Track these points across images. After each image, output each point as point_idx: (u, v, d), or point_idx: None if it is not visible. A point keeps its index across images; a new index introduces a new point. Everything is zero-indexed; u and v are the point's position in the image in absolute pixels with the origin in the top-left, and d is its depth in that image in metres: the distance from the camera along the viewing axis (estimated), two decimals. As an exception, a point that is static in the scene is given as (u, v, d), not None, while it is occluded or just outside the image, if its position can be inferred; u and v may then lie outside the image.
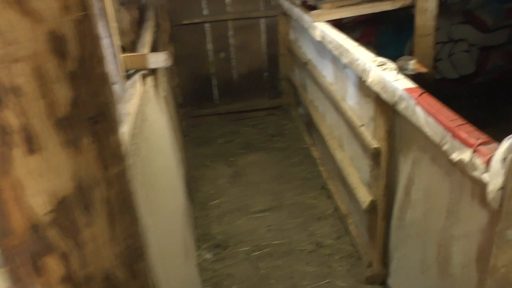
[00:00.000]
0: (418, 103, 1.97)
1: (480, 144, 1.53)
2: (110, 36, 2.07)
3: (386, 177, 2.69)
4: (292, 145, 4.99)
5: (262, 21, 5.28)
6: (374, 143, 2.70)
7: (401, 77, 2.24)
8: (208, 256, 3.65)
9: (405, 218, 2.54)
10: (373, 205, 2.87)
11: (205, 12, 5.25)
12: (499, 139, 1.45)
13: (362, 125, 2.93)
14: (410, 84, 2.15)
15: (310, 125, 4.64)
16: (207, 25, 5.29)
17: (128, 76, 2.22)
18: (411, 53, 3.92)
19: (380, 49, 4.13)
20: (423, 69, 3.61)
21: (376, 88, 2.41)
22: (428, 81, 3.70)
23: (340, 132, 3.53)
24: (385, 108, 2.47)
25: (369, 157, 2.84)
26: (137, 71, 2.22)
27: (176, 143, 3.87)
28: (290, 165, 4.65)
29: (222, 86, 5.54)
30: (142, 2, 5.36)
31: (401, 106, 2.13)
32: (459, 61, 5.20)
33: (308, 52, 4.30)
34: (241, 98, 5.60)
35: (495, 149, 1.46)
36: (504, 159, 1.35)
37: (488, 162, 1.45)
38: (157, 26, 5.30)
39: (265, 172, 4.62)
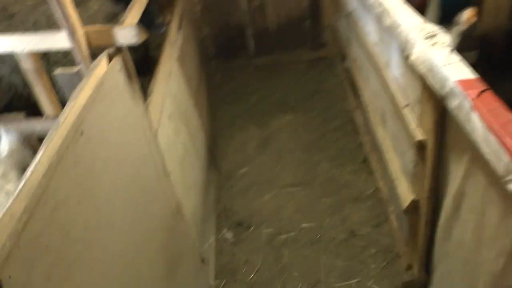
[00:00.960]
0: (476, 108, 1.37)
1: None
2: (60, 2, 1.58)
3: (432, 177, 2.12)
4: (334, 106, 4.38)
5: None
6: (418, 134, 2.12)
7: (455, 59, 1.61)
8: (228, 236, 3.28)
9: (452, 233, 2.00)
10: (415, 206, 2.33)
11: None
12: None
13: (407, 106, 2.33)
14: (467, 73, 1.52)
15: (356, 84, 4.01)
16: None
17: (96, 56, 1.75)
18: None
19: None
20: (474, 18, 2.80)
21: (422, 70, 1.80)
22: (500, 38, 2.95)
23: (383, 104, 2.92)
24: (434, 95, 1.86)
25: (412, 148, 2.27)
26: (104, 49, 1.74)
27: (196, 108, 3.43)
28: (329, 131, 4.08)
29: (257, 36, 4.91)
30: None
31: (452, 104, 1.53)
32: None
33: (352, 0, 3.60)
34: (279, 49, 4.97)
35: None
36: None
37: None
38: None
39: (300, 137, 4.09)
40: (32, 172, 1.09)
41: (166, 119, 2.47)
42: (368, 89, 3.33)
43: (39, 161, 1.12)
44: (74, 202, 1.20)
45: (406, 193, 2.38)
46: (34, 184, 1.06)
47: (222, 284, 2.86)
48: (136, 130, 1.72)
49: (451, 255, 2.04)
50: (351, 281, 2.80)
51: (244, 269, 3.00)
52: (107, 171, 1.39)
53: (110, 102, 1.52)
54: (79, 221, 1.20)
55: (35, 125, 2.14)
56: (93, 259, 1.22)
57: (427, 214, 2.24)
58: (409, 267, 2.62)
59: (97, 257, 1.25)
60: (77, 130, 1.27)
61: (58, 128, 1.23)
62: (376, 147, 3.32)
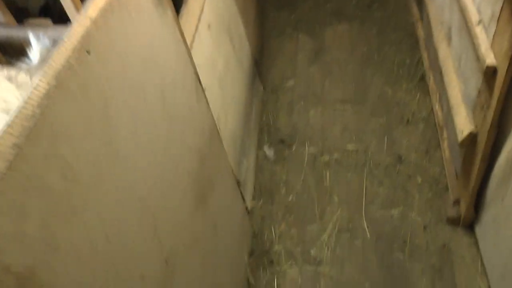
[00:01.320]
0: None
1: None
2: None
3: (498, 110, 1.85)
4: (394, 16, 3.94)
5: None
6: (490, 58, 1.82)
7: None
8: (269, 153, 3.16)
9: (513, 177, 1.77)
10: (472, 139, 2.08)
11: None
12: None
13: (479, 23, 1.99)
14: None
15: (421, -8, 3.56)
16: None
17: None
18: None
19: None
20: None
21: (504, -17, 1.47)
22: None
23: (451, 18, 2.55)
24: (515, 14, 1.54)
25: (479, 73, 1.97)
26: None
27: (242, 15, 3.17)
28: (387, 43, 3.71)
29: None
30: None
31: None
32: None
33: None
34: None
35: None
36: None
37: None
38: None
39: (354, 49, 3.76)
40: (27, 101, 0.94)
41: (205, 29, 2.25)
42: (435, 1, 2.93)
43: (36, 87, 0.98)
44: (79, 135, 1.06)
45: (464, 124, 2.13)
46: (27, 115, 0.92)
47: (259, 205, 2.79)
48: (164, 46, 1.53)
49: (508, 199, 1.83)
50: (393, 211, 2.66)
51: (283, 190, 2.90)
52: (123, 96, 1.23)
53: (127, 15, 1.32)
54: (85, 157, 1.07)
55: (62, 33, 1.99)
56: (105, 201, 1.10)
57: (485, 150, 2.00)
58: (456, 202, 2.43)
59: (109, 199, 1.13)
60: (81, 48, 1.10)
61: (61, 46, 1.07)
62: (436, 66, 2.99)
